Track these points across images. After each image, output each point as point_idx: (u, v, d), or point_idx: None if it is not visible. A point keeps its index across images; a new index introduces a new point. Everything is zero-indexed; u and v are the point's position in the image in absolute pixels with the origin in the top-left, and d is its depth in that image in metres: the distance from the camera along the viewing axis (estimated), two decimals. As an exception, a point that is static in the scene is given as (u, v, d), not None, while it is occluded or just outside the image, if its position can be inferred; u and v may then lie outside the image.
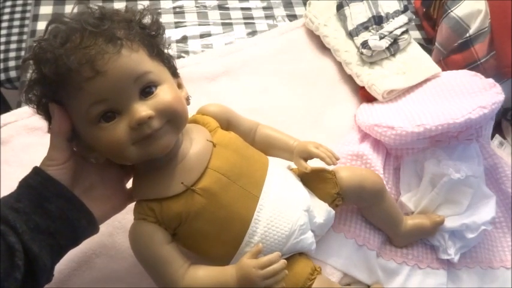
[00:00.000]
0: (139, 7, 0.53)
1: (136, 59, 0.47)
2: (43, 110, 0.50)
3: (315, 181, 0.64)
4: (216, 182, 0.53)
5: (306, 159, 0.62)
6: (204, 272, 0.52)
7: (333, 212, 0.63)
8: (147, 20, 0.52)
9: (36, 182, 0.47)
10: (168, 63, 0.54)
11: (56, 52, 0.44)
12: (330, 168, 0.65)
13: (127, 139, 0.47)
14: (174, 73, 0.56)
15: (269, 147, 0.64)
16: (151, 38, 0.51)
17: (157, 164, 0.52)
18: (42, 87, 0.47)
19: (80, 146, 0.51)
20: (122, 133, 0.46)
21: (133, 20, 0.50)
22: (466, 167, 0.71)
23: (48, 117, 0.49)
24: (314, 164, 0.63)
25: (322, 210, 0.61)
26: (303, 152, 0.61)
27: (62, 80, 0.45)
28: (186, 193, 0.52)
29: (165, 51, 0.54)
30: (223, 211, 0.53)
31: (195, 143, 0.55)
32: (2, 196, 0.47)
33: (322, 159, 0.60)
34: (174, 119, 0.49)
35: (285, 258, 0.52)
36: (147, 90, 0.48)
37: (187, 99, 0.56)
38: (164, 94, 0.49)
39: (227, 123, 0.63)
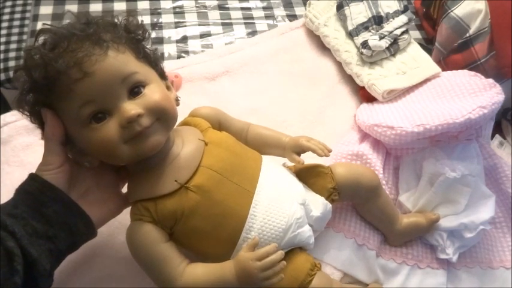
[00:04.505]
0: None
1: (122, 60, 0.49)
2: (36, 118, 0.50)
3: (311, 177, 0.64)
4: (209, 179, 0.53)
5: (298, 154, 0.62)
6: (202, 269, 0.52)
7: (330, 205, 0.63)
8: (133, 24, 0.53)
9: (32, 188, 0.47)
10: (155, 66, 0.56)
11: (45, 57, 0.45)
12: (326, 164, 0.66)
13: (118, 138, 0.48)
14: (162, 75, 0.57)
15: (262, 146, 0.65)
16: (137, 42, 0.53)
17: (150, 164, 0.53)
18: (33, 93, 0.48)
19: (73, 150, 0.52)
20: (113, 132, 0.47)
21: (119, 24, 0.52)
22: (463, 166, 0.71)
23: (41, 124, 0.50)
24: (310, 161, 0.63)
25: (318, 204, 0.61)
26: (295, 146, 0.62)
27: (52, 83, 0.46)
28: (180, 191, 0.52)
29: (152, 55, 0.55)
30: (218, 208, 0.53)
31: (187, 142, 0.56)
32: (1, 196, 0.47)
33: (314, 151, 0.61)
34: (163, 117, 0.50)
35: (285, 253, 0.52)
36: (135, 90, 0.49)
37: (177, 100, 0.57)
38: (152, 93, 0.50)
39: (219, 125, 0.64)
